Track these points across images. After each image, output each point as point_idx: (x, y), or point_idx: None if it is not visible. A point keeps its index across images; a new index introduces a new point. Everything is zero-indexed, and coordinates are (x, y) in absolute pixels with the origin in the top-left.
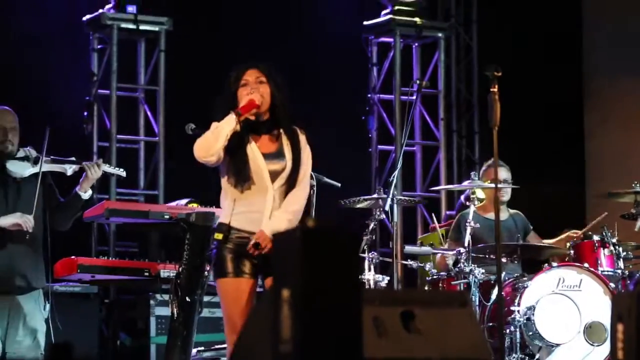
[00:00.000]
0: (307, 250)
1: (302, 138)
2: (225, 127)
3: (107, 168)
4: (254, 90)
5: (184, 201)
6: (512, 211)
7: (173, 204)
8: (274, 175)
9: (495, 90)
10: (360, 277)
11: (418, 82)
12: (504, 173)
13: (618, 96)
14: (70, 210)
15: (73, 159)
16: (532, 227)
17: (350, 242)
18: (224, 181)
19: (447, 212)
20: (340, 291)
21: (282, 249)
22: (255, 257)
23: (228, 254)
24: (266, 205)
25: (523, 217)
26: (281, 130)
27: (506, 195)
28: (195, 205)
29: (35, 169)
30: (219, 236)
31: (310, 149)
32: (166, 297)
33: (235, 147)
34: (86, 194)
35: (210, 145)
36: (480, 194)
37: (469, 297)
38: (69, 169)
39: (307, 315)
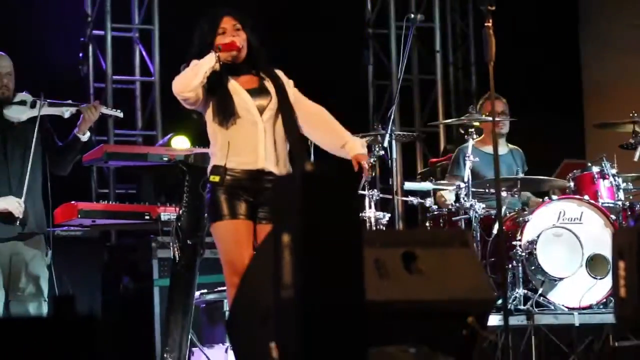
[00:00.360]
0: (307, 194)
1: (281, 73)
2: (204, 64)
3: (104, 110)
4: (233, 36)
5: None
6: (511, 146)
7: (160, 142)
8: (261, 109)
9: (490, 24)
10: (360, 217)
11: (413, 15)
12: (501, 105)
13: (614, 25)
14: (70, 154)
15: (70, 101)
16: (527, 169)
17: (349, 185)
18: (210, 124)
19: (447, 146)
20: (341, 234)
21: (282, 194)
22: (250, 197)
23: (222, 196)
24: (259, 138)
25: (522, 153)
26: (260, 72)
27: (504, 127)
28: (181, 136)
29: (33, 113)
30: (215, 178)
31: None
32: (168, 239)
33: (216, 85)
34: (85, 136)
35: (188, 81)
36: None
37: (469, 236)
38: (66, 112)
39: (308, 259)
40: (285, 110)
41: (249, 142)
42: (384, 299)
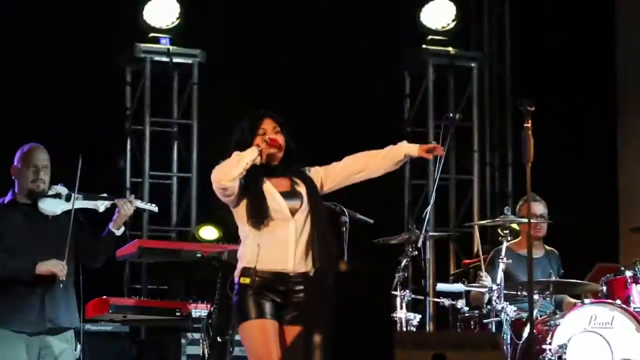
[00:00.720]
0: (340, 294)
1: (312, 170)
2: (246, 156)
3: (139, 204)
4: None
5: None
6: (548, 248)
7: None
8: (293, 212)
9: (529, 125)
10: (392, 317)
11: (452, 115)
12: (540, 208)
13: None
14: (104, 248)
15: (105, 195)
16: (562, 272)
17: (382, 286)
18: (242, 224)
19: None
20: (373, 336)
21: (314, 293)
22: (277, 298)
23: (251, 297)
24: (289, 237)
25: (558, 256)
26: (292, 175)
27: (542, 230)
28: (208, 226)
29: (68, 206)
30: (245, 280)
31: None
32: (197, 335)
33: (252, 184)
34: (119, 230)
35: (230, 169)
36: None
37: (500, 339)
38: (101, 206)
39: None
40: (316, 210)
41: (280, 243)
42: None
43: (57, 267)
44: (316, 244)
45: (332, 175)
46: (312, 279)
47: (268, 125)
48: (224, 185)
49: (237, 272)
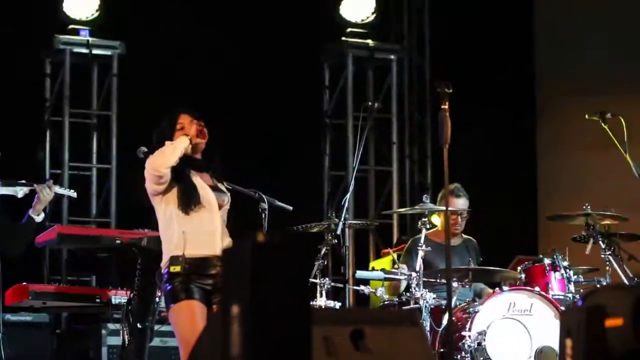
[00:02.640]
0: (257, 265)
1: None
2: (179, 144)
3: (58, 189)
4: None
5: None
6: (465, 237)
7: None
8: (220, 205)
9: (446, 107)
10: (310, 291)
11: (370, 104)
12: (461, 203)
13: (569, 116)
14: (23, 234)
15: (24, 181)
16: (481, 260)
17: (300, 256)
18: (169, 210)
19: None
20: (290, 308)
21: (232, 264)
22: (205, 283)
23: (180, 284)
24: (216, 226)
25: (475, 244)
26: (212, 174)
27: (459, 227)
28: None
29: None
30: (176, 269)
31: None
32: (118, 326)
33: (182, 174)
34: (39, 216)
35: (167, 157)
36: (436, 220)
37: (419, 316)
38: (20, 192)
39: (257, 332)
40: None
41: (208, 231)
42: None
43: None
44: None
45: None
46: (228, 251)
47: (184, 119)
48: (161, 173)
49: (164, 262)
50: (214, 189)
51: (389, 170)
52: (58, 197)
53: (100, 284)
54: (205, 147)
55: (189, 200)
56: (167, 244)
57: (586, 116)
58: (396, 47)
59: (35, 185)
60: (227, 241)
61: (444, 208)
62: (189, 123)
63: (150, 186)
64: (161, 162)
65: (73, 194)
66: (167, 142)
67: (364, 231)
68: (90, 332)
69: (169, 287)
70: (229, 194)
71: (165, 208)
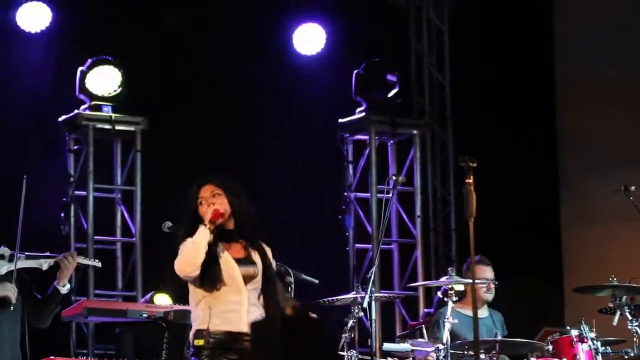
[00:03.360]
0: (286, 338)
1: (268, 251)
2: (202, 240)
3: (81, 260)
4: (214, 203)
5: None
6: (491, 309)
7: (142, 300)
8: (246, 279)
9: (471, 181)
10: None
11: (394, 178)
12: (488, 272)
13: (594, 189)
14: (49, 306)
15: (48, 253)
16: (507, 333)
17: (327, 330)
18: (194, 288)
19: (425, 310)
20: None
21: (261, 338)
22: (231, 357)
23: (206, 356)
24: (242, 302)
25: (501, 317)
26: (247, 240)
27: (490, 294)
28: (163, 294)
29: (11, 266)
30: (199, 342)
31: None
32: None
33: (207, 254)
34: (64, 287)
35: (193, 259)
36: (459, 287)
37: None
38: (45, 264)
39: None
40: (268, 280)
41: (232, 305)
42: None
43: (9, 290)
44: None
45: None
46: (257, 324)
47: (205, 192)
48: (193, 275)
49: (191, 335)
50: (244, 261)
51: (414, 242)
52: (83, 270)
53: (121, 357)
54: (235, 215)
55: (211, 281)
56: (195, 318)
57: (611, 191)
58: (418, 122)
59: (58, 256)
60: (256, 315)
61: (469, 280)
62: (209, 196)
63: (180, 274)
64: (187, 266)
65: (98, 263)
66: (188, 240)
67: (390, 304)
68: None
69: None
70: (261, 264)
71: (193, 289)
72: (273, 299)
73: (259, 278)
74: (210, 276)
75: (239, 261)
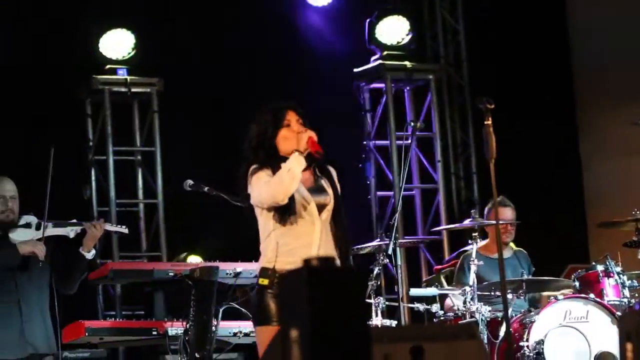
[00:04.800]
0: (314, 289)
1: (334, 174)
2: (297, 167)
3: (108, 226)
4: (304, 130)
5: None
6: (515, 248)
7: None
8: (320, 208)
9: (489, 122)
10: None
11: (412, 124)
12: (509, 213)
13: (612, 125)
14: (76, 272)
15: (74, 221)
16: (534, 269)
17: (357, 279)
18: (266, 220)
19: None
20: (349, 329)
21: (289, 289)
22: None
23: (272, 300)
24: (314, 238)
25: (526, 255)
26: (315, 168)
27: (510, 236)
28: (194, 256)
29: (39, 234)
30: (264, 281)
31: None
32: (176, 357)
33: None
34: (90, 253)
35: (286, 187)
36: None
37: (477, 328)
38: (71, 232)
39: (317, 355)
40: (338, 207)
41: (304, 241)
42: None
43: (37, 247)
44: (338, 247)
45: None
46: (287, 275)
47: (292, 117)
48: (283, 202)
49: (257, 270)
50: (315, 190)
51: (436, 187)
52: (108, 234)
53: (150, 317)
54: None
55: (283, 213)
56: (263, 255)
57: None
58: (434, 67)
59: (85, 223)
60: (327, 249)
61: (493, 222)
62: (295, 122)
63: (259, 202)
64: (279, 193)
65: (125, 229)
66: (283, 166)
67: (415, 249)
68: None
69: (256, 300)
70: (332, 191)
71: (264, 218)
72: (344, 227)
73: (330, 206)
74: (284, 208)
75: (311, 190)
